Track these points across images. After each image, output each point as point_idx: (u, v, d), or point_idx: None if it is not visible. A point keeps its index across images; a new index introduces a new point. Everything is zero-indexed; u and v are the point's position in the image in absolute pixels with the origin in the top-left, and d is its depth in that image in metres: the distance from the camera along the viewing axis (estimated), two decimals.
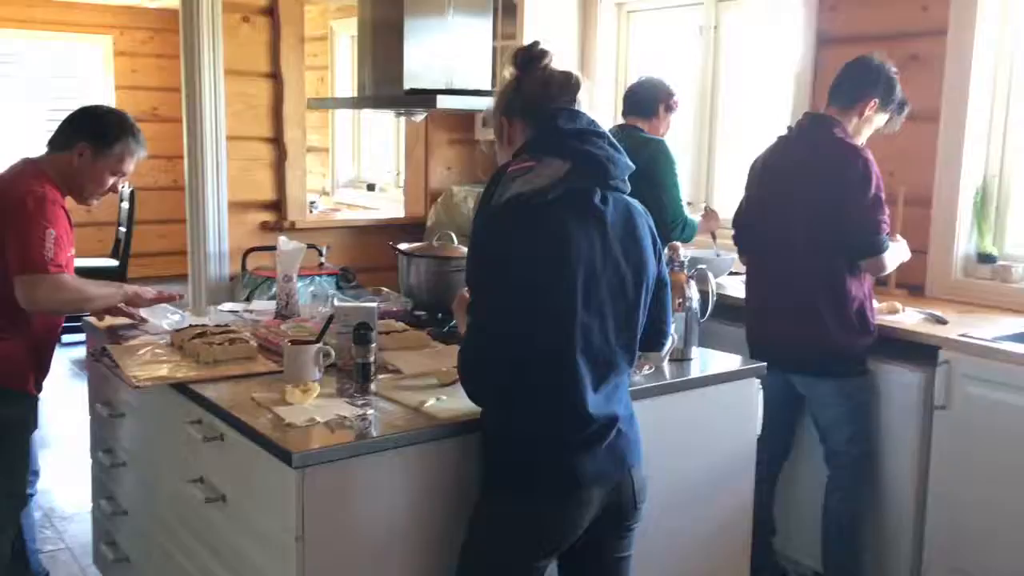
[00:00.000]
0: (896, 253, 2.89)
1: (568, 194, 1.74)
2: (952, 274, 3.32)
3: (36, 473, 2.77)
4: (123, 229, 6.48)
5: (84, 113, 2.64)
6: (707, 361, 2.44)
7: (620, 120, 3.65)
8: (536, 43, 1.87)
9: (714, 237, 3.80)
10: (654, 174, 3.30)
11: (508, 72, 1.88)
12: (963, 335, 2.77)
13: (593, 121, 1.83)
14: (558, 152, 1.75)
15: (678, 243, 2.52)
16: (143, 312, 2.64)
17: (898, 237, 3.01)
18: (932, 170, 3.32)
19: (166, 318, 2.67)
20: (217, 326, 2.49)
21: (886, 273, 2.94)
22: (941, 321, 2.94)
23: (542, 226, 1.72)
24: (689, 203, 4.23)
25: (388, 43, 3.20)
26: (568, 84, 1.83)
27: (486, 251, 1.76)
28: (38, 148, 2.64)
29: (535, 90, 1.83)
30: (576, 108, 1.82)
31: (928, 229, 3.35)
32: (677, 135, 3.93)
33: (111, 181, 2.62)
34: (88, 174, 2.57)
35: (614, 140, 1.82)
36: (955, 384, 2.73)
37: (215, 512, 2.02)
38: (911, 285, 3.39)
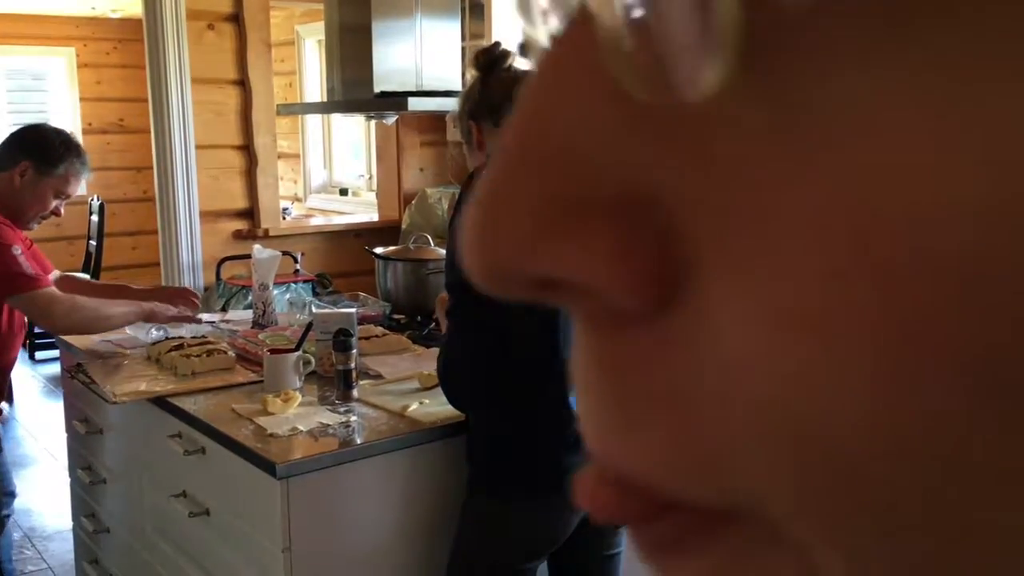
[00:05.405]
0: None
1: None
2: None
3: (12, 494, 2.73)
4: (93, 242, 6.41)
5: (27, 131, 2.55)
6: None
7: None
8: (497, 44, 1.87)
9: None
10: None
11: (471, 75, 1.87)
12: None
13: None
14: None
15: None
16: (128, 329, 2.56)
17: None
18: None
19: (149, 335, 2.60)
20: (194, 337, 2.46)
21: None
22: None
23: None
24: None
25: (356, 46, 3.18)
26: None
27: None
28: None
29: (502, 92, 1.82)
30: None
31: None
32: None
33: (54, 203, 2.52)
34: (31, 194, 2.46)
35: None
36: None
37: (199, 526, 1.99)
38: None
